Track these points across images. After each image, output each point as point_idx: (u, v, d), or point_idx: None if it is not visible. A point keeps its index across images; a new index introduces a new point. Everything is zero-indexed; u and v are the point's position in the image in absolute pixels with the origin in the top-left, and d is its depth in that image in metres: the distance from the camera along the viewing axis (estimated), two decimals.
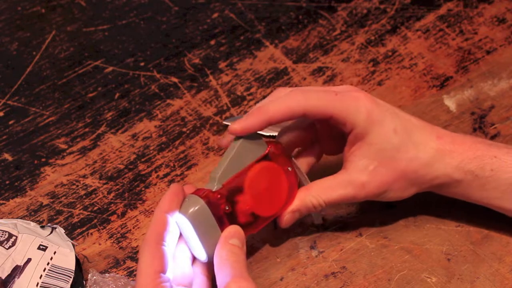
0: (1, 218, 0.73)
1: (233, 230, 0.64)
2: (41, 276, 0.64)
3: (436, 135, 0.69)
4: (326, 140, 0.71)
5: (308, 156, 0.71)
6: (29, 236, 0.67)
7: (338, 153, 0.71)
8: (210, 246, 0.63)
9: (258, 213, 0.66)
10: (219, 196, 0.64)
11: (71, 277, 0.65)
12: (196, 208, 0.63)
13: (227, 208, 0.64)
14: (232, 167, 0.65)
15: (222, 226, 0.64)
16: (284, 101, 0.66)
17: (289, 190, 0.68)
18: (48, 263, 0.65)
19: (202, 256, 0.64)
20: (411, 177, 0.68)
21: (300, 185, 0.69)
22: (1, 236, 0.66)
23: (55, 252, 0.66)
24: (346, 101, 0.66)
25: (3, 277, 0.64)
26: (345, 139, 0.69)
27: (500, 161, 0.67)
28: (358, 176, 0.67)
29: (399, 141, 0.67)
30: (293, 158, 0.69)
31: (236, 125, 0.65)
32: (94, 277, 0.67)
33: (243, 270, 0.61)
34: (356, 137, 0.67)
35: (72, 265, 0.66)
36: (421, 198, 0.73)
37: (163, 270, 0.60)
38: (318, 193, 0.68)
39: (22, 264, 0.65)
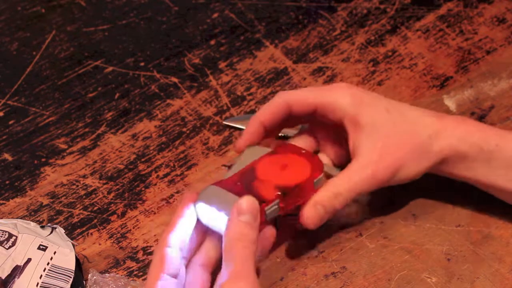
0: (1, 218, 0.73)
1: (245, 202, 0.60)
2: (41, 276, 0.64)
3: (434, 115, 0.69)
4: (330, 148, 0.72)
5: None
6: (29, 236, 0.67)
7: (344, 161, 0.71)
8: (224, 205, 0.61)
9: (279, 183, 0.64)
10: (230, 181, 0.63)
11: (71, 277, 0.65)
12: (211, 191, 0.62)
13: (240, 185, 0.63)
14: (239, 166, 0.66)
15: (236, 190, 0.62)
16: (269, 102, 0.68)
17: (311, 164, 0.66)
18: (48, 263, 0.65)
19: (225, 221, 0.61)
20: (418, 147, 0.67)
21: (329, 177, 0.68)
22: (1, 236, 0.66)
23: (55, 252, 0.66)
24: (329, 90, 0.68)
25: (3, 277, 0.64)
26: (346, 140, 0.69)
27: (505, 138, 0.67)
28: (369, 157, 0.67)
29: (394, 118, 0.68)
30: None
31: (239, 143, 0.68)
32: (94, 277, 0.67)
33: (249, 260, 0.58)
34: (350, 123, 0.67)
35: (72, 265, 0.66)
36: (421, 198, 0.73)
37: (164, 271, 0.60)
38: (337, 183, 0.66)
39: (22, 264, 0.65)
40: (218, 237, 0.63)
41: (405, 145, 0.67)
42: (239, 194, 0.61)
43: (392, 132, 0.67)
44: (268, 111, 0.68)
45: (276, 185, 0.64)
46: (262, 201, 0.62)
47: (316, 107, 0.69)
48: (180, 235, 0.62)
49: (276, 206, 0.64)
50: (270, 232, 0.65)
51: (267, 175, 0.65)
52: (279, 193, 0.63)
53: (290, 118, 0.70)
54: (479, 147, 0.67)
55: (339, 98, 0.68)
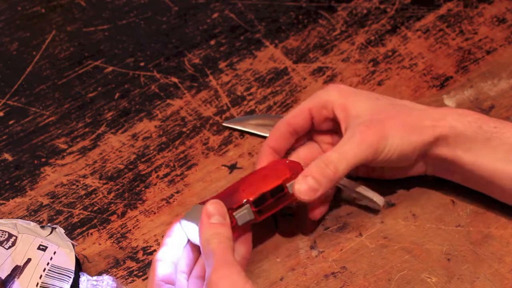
0: (1, 218, 0.73)
1: (211, 206, 0.63)
2: (41, 276, 0.64)
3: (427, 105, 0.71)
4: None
5: None
6: (29, 236, 0.67)
7: None
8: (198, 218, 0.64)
9: (254, 191, 0.65)
10: (213, 198, 0.65)
11: (71, 277, 0.65)
12: (196, 209, 0.65)
13: (223, 197, 0.65)
14: None
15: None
16: (274, 128, 0.71)
17: (289, 168, 0.67)
18: (48, 263, 0.65)
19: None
20: (408, 123, 0.68)
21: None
22: (1, 236, 0.66)
23: (55, 252, 0.66)
24: (317, 93, 0.72)
25: (3, 277, 0.64)
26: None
27: (503, 122, 0.68)
28: (357, 128, 0.67)
29: (383, 103, 0.69)
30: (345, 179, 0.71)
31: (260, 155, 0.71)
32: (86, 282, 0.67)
33: (227, 253, 0.60)
34: (340, 111, 0.69)
35: (72, 265, 0.65)
36: (421, 198, 0.73)
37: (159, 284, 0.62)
38: (326, 153, 0.67)
39: (22, 264, 0.65)
40: None
41: (394, 120, 0.68)
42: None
43: (379, 111, 0.68)
44: (274, 137, 0.71)
45: (250, 193, 0.65)
46: (230, 208, 0.64)
47: (310, 111, 0.71)
48: (170, 251, 0.64)
49: (246, 211, 0.65)
50: (245, 238, 0.67)
51: (248, 187, 0.66)
52: (250, 198, 0.65)
53: (298, 136, 0.72)
54: (477, 125, 0.67)
55: (327, 93, 0.71)
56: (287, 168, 0.67)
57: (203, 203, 0.65)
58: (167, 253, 0.64)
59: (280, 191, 0.66)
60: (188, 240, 0.65)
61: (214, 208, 0.63)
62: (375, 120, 0.68)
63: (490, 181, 0.68)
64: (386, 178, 0.73)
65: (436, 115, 0.68)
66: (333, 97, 0.70)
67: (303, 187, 0.65)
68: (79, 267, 0.67)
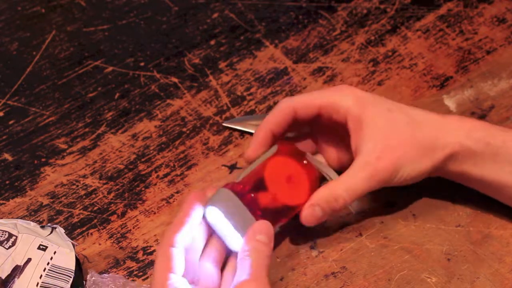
0: (1, 218, 0.73)
1: (261, 225, 0.64)
2: (41, 276, 0.64)
3: (437, 114, 0.69)
4: (330, 151, 0.72)
5: None
6: (29, 236, 0.67)
7: (345, 165, 0.71)
8: (244, 231, 0.64)
9: (282, 200, 0.67)
10: (241, 186, 0.65)
11: (71, 277, 0.65)
12: (224, 196, 0.64)
13: (252, 195, 0.65)
14: (249, 169, 0.68)
15: (251, 211, 0.65)
16: (275, 108, 0.69)
17: (310, 182, 0.68)
18: (48, 263, 0.65)
19: (239, 243, 0.64)
20: (421, 144, 0.67)
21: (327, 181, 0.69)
22: (1, 236, 0.66)
23: (55, 252, 0.66)
24: (332, 91, 0.69)
25: (3, 277, 0.64)
26: (348, 144, 0.69)
27: (510, 134, 0.67)
28: (368, 157, 0.67)
29: (396, 117, 0.68)
30: (309, 154, 0.70)
31: (249, 153, 0.69)
32: (93, 278, 0.67)
33: (262, 271, 0.61)
34: (353, 123, 0.68)
35: (72, 265, 0.65)
36: (421, 198, 0.73)
37: (172, 271, 0.61)
38: (335, 184, 0.67)
39: (22, 264, 0.65)
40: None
41: (406, 144, 0.67)
42: (250, 206, 0.65)
43: (393, 131, 0.67)
44: (275, 118, 0.69)
45: (281, 204, 0.67)
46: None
47: (320, 109, 0.69)
48: (186, 234, 0.63)
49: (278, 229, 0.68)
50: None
51: (274, 187, 0.67)
52: (280, 207, 0.67)
53: (295, 122, 0.70)
54: (485, 141, 0.67)
55: (343, 98, 0.68)
56: (308, 181, 0.68)
57: (229, 187, 0.65)
58: (182, 237, 0.62)
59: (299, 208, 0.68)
60: (203, 221, 0.65)
61: (264, 228, 0.64)
62: (388, 147, 0.67)
63: (498, 191, 0.69)
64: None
65: (446, 131, 0.67)
66: (348, 105, 0.68)
67: (309, 216, 0.67)
68: (79, 267, 0.67)
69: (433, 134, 0.68)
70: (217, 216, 0.65)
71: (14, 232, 0.67)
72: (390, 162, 0.67)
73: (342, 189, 0.67)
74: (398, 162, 0.67)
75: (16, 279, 0.64)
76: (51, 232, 0.68)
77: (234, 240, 0.64)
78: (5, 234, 0.67)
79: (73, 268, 0.65)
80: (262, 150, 0.69)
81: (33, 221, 0.70)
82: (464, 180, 0.70)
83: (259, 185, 0.67)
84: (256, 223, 0.64)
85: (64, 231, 0.68)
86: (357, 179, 0.67)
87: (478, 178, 0.68)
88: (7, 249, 0.65)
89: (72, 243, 0.67)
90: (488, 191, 0.70)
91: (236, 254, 0.64)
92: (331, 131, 0.72)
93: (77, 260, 0.67)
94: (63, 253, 0.66)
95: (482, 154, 0.67)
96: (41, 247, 0.66)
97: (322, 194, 0.67)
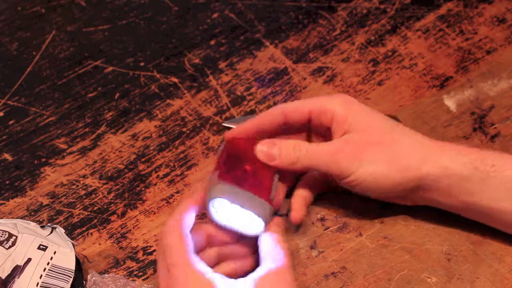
0: (1, 218, 0.73)
1: (276, 221, 0.67)
2: (41, 276, 0.64)
3: (426, 137, 0.68)
4: None
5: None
6: (29, 236, 0.67)
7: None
8: (258, 210, 0.65)
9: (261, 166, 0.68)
10: (229, 173, 0.66)
11: (71, 277, 0.65)
12: (224, 187, 0.65)
13: (244, 177, 0.67)
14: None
15: (253, 190, 0.66)
16: (267, 110, 0.70)
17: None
18: (48, 263, 0.65)
19: (259, 225, 0.65)
20: (395, 152, 0.67)
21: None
22: (1, 236, 0.66)
23: (55, 252, 0.66)
24: (321, 97, 0.70)
25: (3, 277, 0.64)
26: None
27: (501, 157, 0.66)
28: (342, 138, 0.68)
29: (382, 120, 0.68)
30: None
31: (228, 133, 0.70)
32: (94, 278, 0.67)
33: (291, 260, 0.64)
34: (339, 121, 0.68)
35: (72, 265, 0.66)
36: None
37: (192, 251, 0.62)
38: (302, 141, 0.69)
39: (22, 264, 0.65)
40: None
41: (380, 144, 0.67)
42: (248, 188, 0.66)
43: (372, 132, 0.67)
44: (264, 118, 0.70)
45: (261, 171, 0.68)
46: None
47: (310, 113, 0.70)
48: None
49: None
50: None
51: (250, 162, 0.68)
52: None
53: (287, 127, 0.71)
54: (473, 166, 0.65)
55: (332, 103, 0.69)
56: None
57: (222, 178, 0.65)
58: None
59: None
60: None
61: (279, 227, 0.67)
62: (359, 140, 0.67)
63: (489, 217, 0.68)
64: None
65: (428, 152, 0.67)
66: (336, 107, 0.69)
67: (265, 150, 0.68)
68: (79, 267, 0.68)
69: (412, 151, 0.67)
70: (226, 208, 0.65)
71: (14, 232, 0.67)
72: (356, 150, 0.67)
73: (304, 149, 0.68)
74: (363, 156, 0.66)
75: (16, 279, 0.64)
76: (51, 232, 0.68)
77: (252, 225, 0.65)
78: (5, 234, 0.67)
79: (73, 268, 0.65)
80: (243, 135, 0.70)
81: (33, 221, 0.70)
82: (453, 208, 0.69)
83: (238, 166, 0.67)
84: (272, 223, 0.66)
85: (64, 231, 0.68)
86: (321, 148, 0.67)
87: (468, 203, 0.67)
88: (7, 249, 0.66)
89: (72, 243, 0.67)
90: (479, 217, 0.69)
91: (250, 239, 0.67)
92: (324, 137, 0.72)
93: (77, 260, 0.67)
94: (63, 253, 0.66)
95: (470, 178, 0.65)
96: (41, 247, 0.66)
97: (287, 140, 0.68)
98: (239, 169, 0.67)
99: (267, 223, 0.65)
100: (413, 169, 0.66)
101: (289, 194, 0.72)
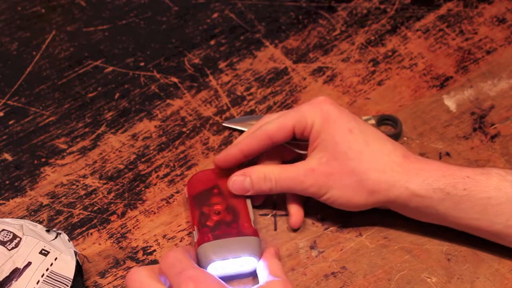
0: (8, 218, 0.73)
1: (273, 250, 0.68)
2: (38, 281, 0.64)
3: (402, 153, 0.69)
4: None
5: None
6: (33, 239, 0.66)
7: None
8: (249, 251, 0.67)
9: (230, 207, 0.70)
10: (203, 230, 0.68)
11: (68, 286, 0.64)
12: (208, 247, 0.67)
13: (212, 224, 0.69)
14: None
15: (235, 231, 0.68)
16: (252, 133, 0.71)
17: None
18: (47, 269, 0.65)
19: (253, 261, 0.67)
20: (362, 179, 0.68)
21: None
22: (6, 237, 0.66)
23: (56, 258, 0.66)
24: (305, 107, 0.71)
25: (1, 279, 0.64)
26: None
27: (474, 180, 0.66)
28: (310, 162, 0.69)
29: (353, 140, 0.68)
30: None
31: (217, 158, 0.72)
32: None
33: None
34: (314, 135, 0.69)
35: (71, 274, 0.65)
36: None
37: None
38: (272, 169, 0.70)
39: (22, 267, 0.64)
40: None
41: (347, 168, 0.68)
42: (226, 233, 0.68)
43: (342, 153, 0.68)
44: (249, 143, 0.71)
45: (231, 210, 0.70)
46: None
47: (294, 127, 0.70)
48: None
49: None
50: None
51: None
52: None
53: (273, 145, 0.72)
54: (444, 192, 0.66)
55: (311, 116, 0.70)
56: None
57: (201, 240, 0.67)
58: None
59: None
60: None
61: (276, 252, 0.68)
62: (326, 167, 0.68)
63: (467, 230, 0.68)
64: None
65: (398, 175, 0.67)
66: (315, 121, 0.69)
67: (238, 183, 0.71)
68: (80, 273, 0.67)
69: (378, 178, 0.67)
70: (222, 265, 0.67)
71: (19, 233, 0.66)
72: (323, 178, 0.68)
73: (274, 176, 0.70)
74: (329, 184, 0.68)
75: (13, 281, 0.64)
76: (56, 237, 0.67)
77: (248, 263, 0.67)
78: (9, 235, 0.66)
79: (71, 277, 0.65)
80: (229, 164, 0.72)
81: (33, 221, 0.70)
82: (429, 221, 0.70)
83: (211, 210, 0.70)
84: (271, 247, 0.68)
85: (68, 238, 0.68)
86: (289, 175, 0.69)
87: (441, 220, 0.68)
88: (9, 250, 0.65)
89: (74, 251, 0.66)
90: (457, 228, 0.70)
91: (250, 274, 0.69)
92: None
93: (79, 267, 0.66)
94: (64, 260, 0.66)
95: (441, 203, 0.66)
96: (43, 251, 0.66)
97: (257, 170, 0.70)
98: (213, 213, 0.69)
99: (259, 256, 0.67)
100: (380, 194, 0.68)
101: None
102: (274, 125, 0.71)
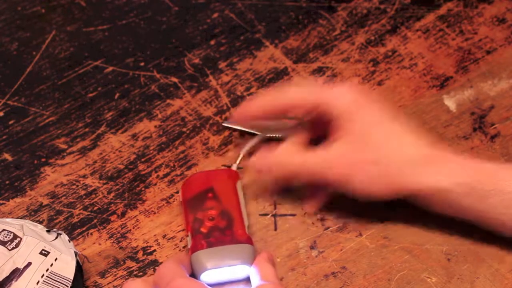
0: (8, 218, 0.73)
1: (265, 254, 0.67)
2: (38, 282, 0.64)
3: (428, 145, 0.68)
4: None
5: None
6: (33, 239, 0.66)
7: None
8: (241, 259, 0.67)
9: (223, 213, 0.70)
10: (198, 238, 0.68)
11: (68, 286, 0.64)
12: (202, 255, 0.66)
13: (206, 230, 0.68)
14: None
15: (228, 239, 0.67)
16: (266, 99, 0.71)
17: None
18: (47, 270, 0.65)
19: (245, 269, 0.67)
20: (386, 170, 0.67)
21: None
22: (6, 237, 0.66)
23: (56, 259, 0.66)
24: (332, 89, 0.69)
25: (1, 279, 0.64)
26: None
27: (504, 172, 0.65)
28: (334, 151, 0.68)
29: (380, 130, 0.67)
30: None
31: (237, 111, 0.72)
32: None
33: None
34: (340, 122, 0.68)
35: (71, 274, 0.65)
36: None
37: None
38: (295, 158, 0.69)
39: (22, 267, 0.64)
40: None
41: (370, 156, 0.67)
42: (219, 242, 0.67)
43: (366, 142, 0.67)
44: (263, 107, 0.71)
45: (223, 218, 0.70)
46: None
47: (317, 106, 0.69)
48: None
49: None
50: None
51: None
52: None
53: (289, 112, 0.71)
54: (470, 186, 0.65)
55: (341, 97, 0.68)
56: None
57: (195, 247, 0.67)
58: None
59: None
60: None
61: (269, 257, 0.68)
62: (351, 156, 0.67)
63: (486, 225, 0.67)
64: None
65: (423, 169, 0.66)
66: (343, 107, 0.68)
67: (259, 165, 0.71)
68: (81, 274, 0.67)
69: (403, 170, 0.66)
70: (215, 273, 0.66)
71: (19, 233, 0.66)
72: (345, 168, 0.67)
73: (297, 162, 0.69)
74: (351, 173, 0.67)
75: (13, 282, 0.64)
76: (56, 238, 0.67)
77: (240, 270, 0.67)
78: (10, 235, 0.66)
79: (71, 277, 0.65)
80: (246, 116, 0.72)
81: (33, 221, 0.70)
82: (448, 214, 0.69)
83: (205, 216, 0.69)
84: (264, 252, 0.68)
85: (68, 238, 0.68)
86: (317, 162, 0.68)
87: (464, 214, 0.67)
88: (9, 250, 0.65)
89: (75, 252, 0.66)
90: (475, 222, 0.68)
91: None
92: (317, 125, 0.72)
93: (79, 267, 0.66)
94: (64, 261, 0.66)
95: (466, 196, 0.65)
96: (43, 252, 0.66)
97: (281, 155, 0.69)
98: (207, 219, 0.69)
99: (252, 263, 0.67)
100: (403, 185, 0.67)
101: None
102: (296, 94, 0.70)
